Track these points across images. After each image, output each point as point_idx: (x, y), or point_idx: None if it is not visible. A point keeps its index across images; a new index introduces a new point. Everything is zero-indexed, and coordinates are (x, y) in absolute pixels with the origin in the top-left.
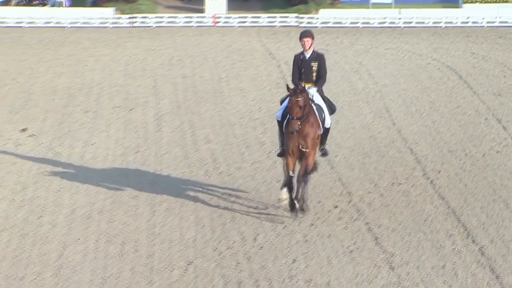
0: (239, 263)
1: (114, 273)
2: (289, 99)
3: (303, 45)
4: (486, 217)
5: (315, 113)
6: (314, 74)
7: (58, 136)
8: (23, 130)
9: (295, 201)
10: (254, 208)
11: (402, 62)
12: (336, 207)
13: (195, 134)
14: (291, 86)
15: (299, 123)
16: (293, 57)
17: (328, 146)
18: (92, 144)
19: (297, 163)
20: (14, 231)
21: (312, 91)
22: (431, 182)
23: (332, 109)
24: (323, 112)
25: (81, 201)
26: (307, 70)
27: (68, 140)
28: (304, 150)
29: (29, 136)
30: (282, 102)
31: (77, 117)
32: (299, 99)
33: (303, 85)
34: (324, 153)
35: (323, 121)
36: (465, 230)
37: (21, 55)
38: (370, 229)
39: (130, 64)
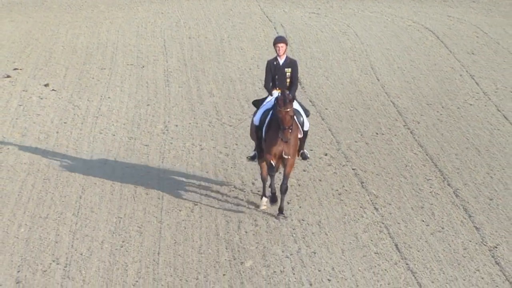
0: (239, 204)
1: (128, 213)
2: (279, 109)
3: (277, 51)
4: (460, 163)
5: (295, 119)
6: (288, 80)
7: (77, 90)
8: (46, 85)
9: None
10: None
11: (385, 24)
12: (326, 154)
13: (200, 89)
14: (264, 91)
15: (290, 131)
16: (266, 63)
17: (307, 150)
18: (108, 98)
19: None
20: (38, 175)
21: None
22: (411, 131)
23: (306, 114)
24: (301, 115)
25: (98, 149)
26: (281, 76)
27: (86, 94)
28: (286, 157)
29: (51, 90)
30: (254, 103)
31: (94, 73)
32: (289, 109)
33: (278, 92)
34: (304, 157)
35: (302, 124)
36: (441, 174)
37: (44, 18)
38: (357, 174)
39: (141, 26)
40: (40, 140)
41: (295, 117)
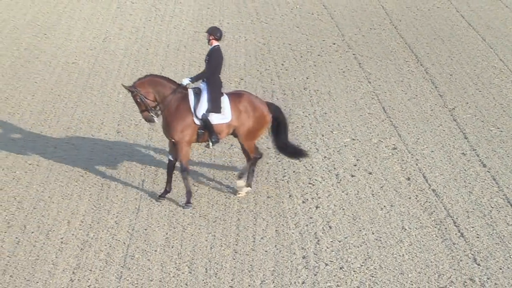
0: (272, 80)
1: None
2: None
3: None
4: (429, 49)
5: (190, 103)
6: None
7: None
8: None
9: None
10: (289, 45)
11: None
12: (334, 43)
13: None
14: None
15: (151, 114)
16: None
17: (215, 138)
18: (180, 3)
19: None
20: (131, 58)
21: (185, 82)
22: (395, 27)
23: (215, 109)
24: (201, 105)
25: (173, 39)
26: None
27: (165, 0)
28: (171, 139)
29: None
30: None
31: None
32: (133, 93)
33: (186, 79)
34: (213, 142)
35: (195, 112)
36: (416, 57)
37: None
38: (356, 57)
39: None
40: (132, 33)
41: (190, 103)
